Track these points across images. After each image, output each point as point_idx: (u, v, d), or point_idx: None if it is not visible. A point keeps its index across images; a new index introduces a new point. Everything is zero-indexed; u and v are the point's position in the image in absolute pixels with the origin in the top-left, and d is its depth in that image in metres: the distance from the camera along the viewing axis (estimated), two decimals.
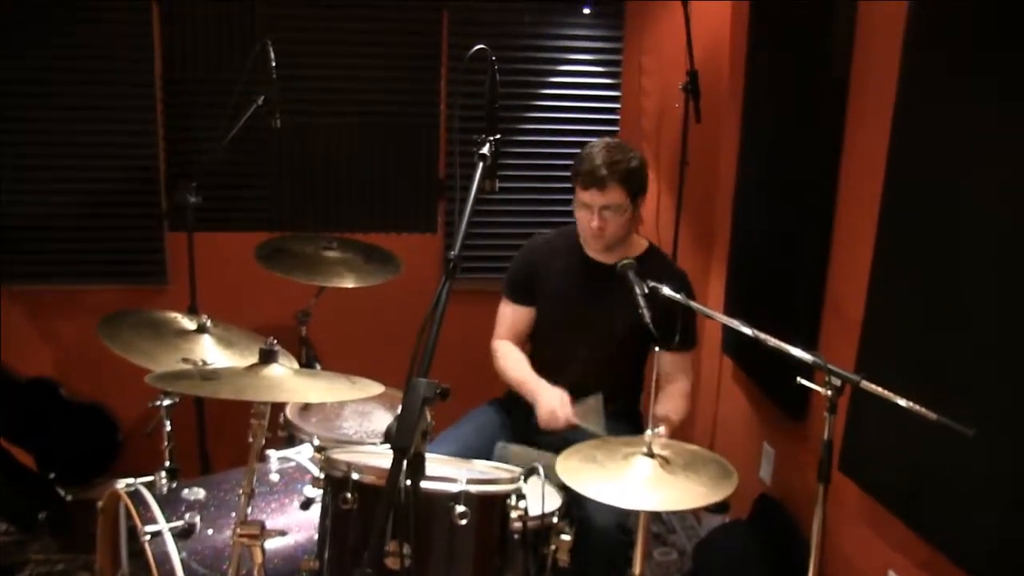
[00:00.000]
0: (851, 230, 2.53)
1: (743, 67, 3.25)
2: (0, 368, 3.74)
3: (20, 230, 3.74)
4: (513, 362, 2.81)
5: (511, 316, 2.88)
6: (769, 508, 3.00)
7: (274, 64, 3.06)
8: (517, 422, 2.81)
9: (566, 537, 2.15)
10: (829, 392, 1.92)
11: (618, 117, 4.00)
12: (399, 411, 1.49)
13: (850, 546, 2.47)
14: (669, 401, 2.70)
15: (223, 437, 3.36)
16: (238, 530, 1.92)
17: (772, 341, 2.09)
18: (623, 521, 2.45)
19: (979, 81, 1.90)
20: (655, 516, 3.61)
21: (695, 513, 3.67)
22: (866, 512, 2.37)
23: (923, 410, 1.76)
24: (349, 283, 3.17)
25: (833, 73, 2.56)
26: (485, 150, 1.80)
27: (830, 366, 1.93)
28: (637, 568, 2.20)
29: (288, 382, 2.00)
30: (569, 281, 2.81)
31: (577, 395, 2.61)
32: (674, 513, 3.67)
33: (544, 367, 2.77)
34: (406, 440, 1.37)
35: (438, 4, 3.81)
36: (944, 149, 2.02)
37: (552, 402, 2.59)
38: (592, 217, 2.64)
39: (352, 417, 2.90)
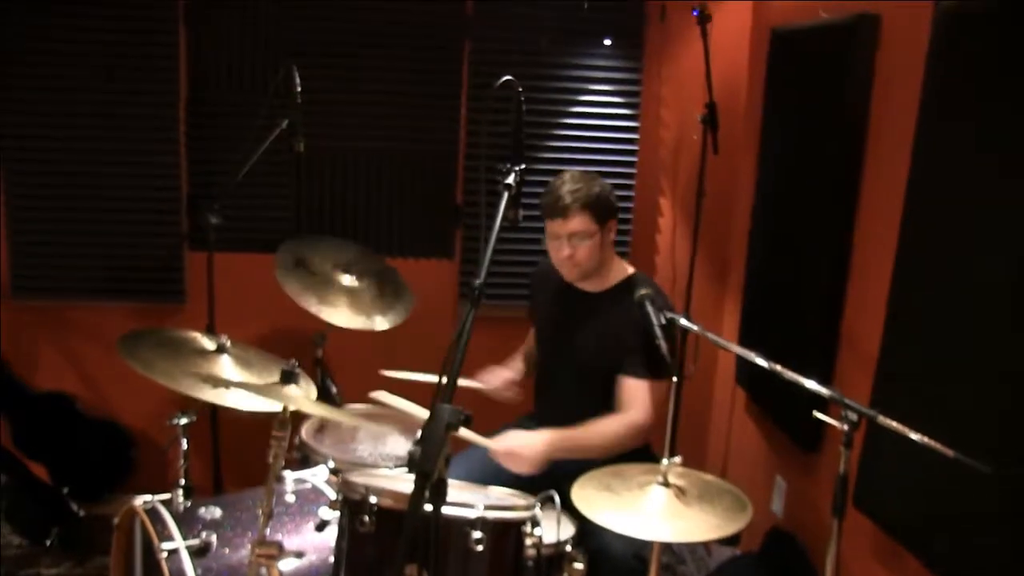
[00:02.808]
0: (868, 263, 2.54)
1: (761, 99, 3.28)
2: (17, 382, 3.78)
3: (40, 245, 3.79)
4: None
5: (531, 334, 3.06)
6: (780, 541, 2.99)
7: (299, 88, 3.10)
8: None
9: (579, 566, 2.16)
10: (845, 426, 1.92)
11: (636, 148, 4.03)
12: (419, 435, 1.51)
13: None
14: (604, 425, 2.61)
15: (236, 457, 3.39)
16: (256, 549, 1.93)
17: (788, 374, 2.10)
18: (639, 551, 2.45)
19: (998, 118, 1.93)
20: (666, 546, 3.60)
21: (706, 544, 3.66)
22: (880, 548, 2.36)
23: (939, 446, 1.76)
24: (356, 324, 3.18)
25: (852, 107, 2.59)
26: (510, 180, 1.82)
27: (847, 400, 1.93)
28: None
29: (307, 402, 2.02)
30: (554, 307, 2.89)
31: (559, 417, 2.62)
32: (685, 543, 3.66)
33: (536, 386, 2.95)
34: (430, 465, 1.38)
35: (460, 34, 3.86)
36: (963, 185, 2.04)
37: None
38: (562, 246, 2.68)
39: (367, 440, 2.92)
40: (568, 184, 2.67)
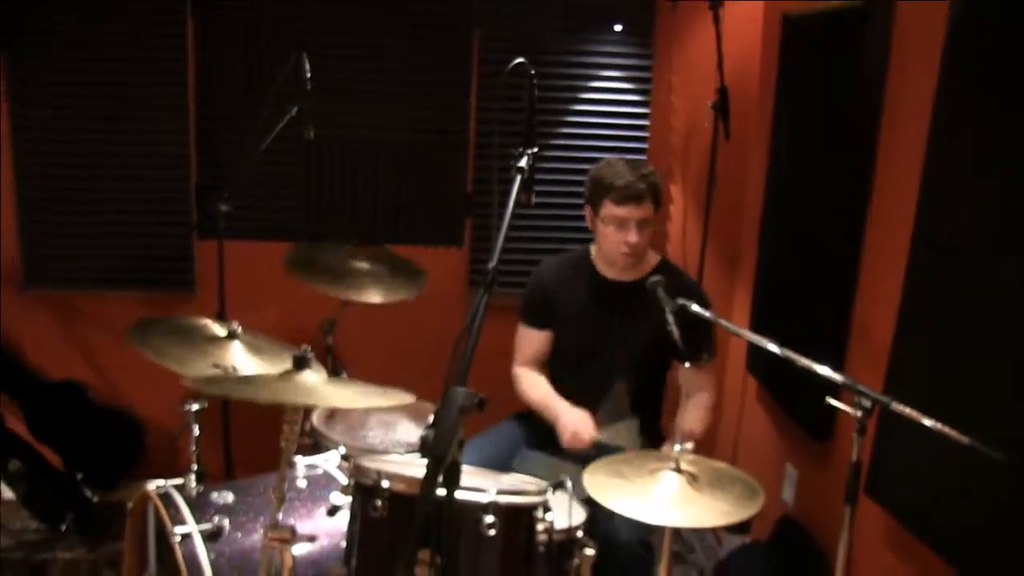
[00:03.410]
0: (881, 251, 2.53)
1: (773, 85, 3.26)
2: (29, 370, 3.81)
3: (52, 236, 3.80)
4: (534, 387, 2.85)
5: (529, 341, 2.91)
6: (791, 530, 2.99)
7: (308, 76, 3.10)
8: (542, 434, 2.83)
9: (590, 552, 2.16)
10: (859, 413, 1.92)
11: (647, 135, 4.02)
12: (432, 420, 1.51)
13: (875, 571, 2.46)
14: (693, 413, 2.73)
15: (246, 444, 3.40)
16: (269, 533, 1.94)
17: (801, 360, 2.09)
18: (645, 537, 2.46)
19: (1017, 103, 1.91)
20: (675, 534, 3.60)
21: (715, 532, 3.66)
22: (891, 536, 2.36)
23: (954, 433, 1.75)
24: (375, 298, 3.19)
25: (866, 93, 2.56)
26: (523, 163, 1.81)
27: (860, 387, 1.93)
28: None
29: (322, 388, 2.03)
30: (586, 304, 2.83)
31: (602, 416, 2.63)
32: (694, 531, 3.66)
33: (566, 391, 2.79)
34: (443, 448, 1.38)
35: (469, 21, 3.85)
36: (980, 172, 2.02)
37: (574, 423, 2.61)
38: (629, 232, 2.66)
39: (377, 427, 2.92)
40: (633, 169, 2.66)
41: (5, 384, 3.73)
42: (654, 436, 2.81)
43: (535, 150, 1.84)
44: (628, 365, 2.73)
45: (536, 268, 2.96)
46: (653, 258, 2.84)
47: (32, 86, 3.68)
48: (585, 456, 2.40)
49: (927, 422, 1.80)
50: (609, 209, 2.67)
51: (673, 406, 2.86)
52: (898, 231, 2.31)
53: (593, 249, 2.87)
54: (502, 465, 2.54)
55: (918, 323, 2.24)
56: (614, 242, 2.70)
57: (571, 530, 2.17)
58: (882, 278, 2.46)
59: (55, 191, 3.77)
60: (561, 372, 2.88)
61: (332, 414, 2.98)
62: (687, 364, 2.39)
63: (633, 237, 2.65)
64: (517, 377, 2.91)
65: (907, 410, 1.85)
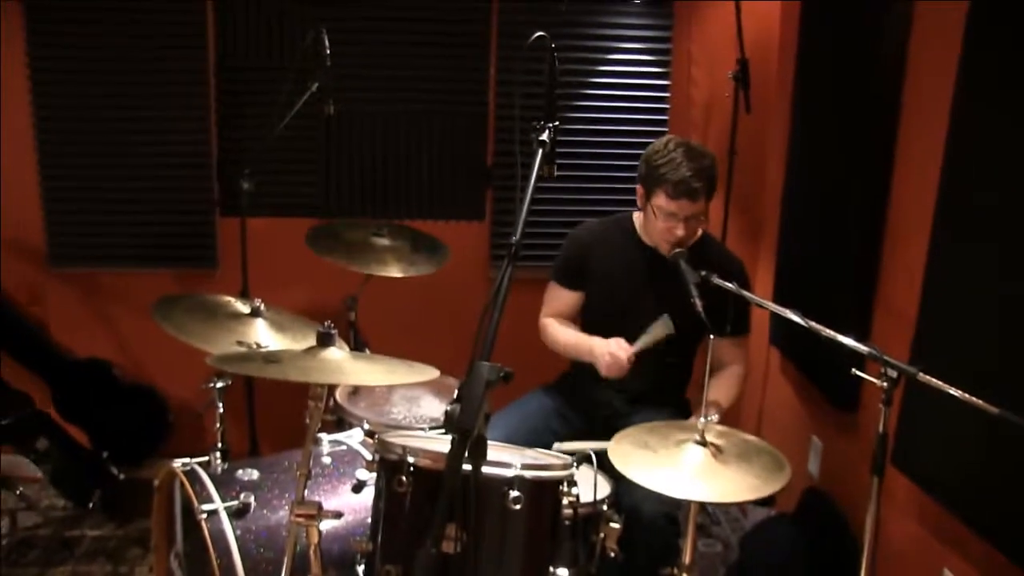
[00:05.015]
0: (905, 221, 2.49)
1: (794, 55, 3.22)
2: (54, 348, 3.84)
3: (76, 214, 3.81)
4: (561, 330, 2.86)
5: (560, 298, 2.90)
6: (817, 502, 2.98)
7: (328, 52, 3.08)
8: (568, 407, 2.83)
9: (615, 525, 2.16)
10: (885, 384, 1.90)
11: (667, 107, 3.97)
12: (456, 394, 1.50)
13: (902, 543, 2.44)
14: (721, 385, 2.72)
15: (270, 421, 3.42)
16: (295, 510, 1.94)
17: (826, 332, 2.07)
18: (671, 511, 2.45)
19: None
20: (700, 507, 3.59)
21: (740, 505, 3.65)
22: (919, 508, 2.34)
23: (983, 404, 1.73)
24: (396, 272, 3.19)
25: (888, 61, 2.52)
26: (544, 136, 1.79)
27: (886, 357, 1.91)
28: (687, 558, 2.19)
29: (349, 365, 2.02)
30: (625, 268, 2.80)
31: (627, 381, 2.62)
32: (719, 504, 3.65)
33: None
34: (470, 422, 1.37)
35: None
36: (1006, 141, 1.98)
37: (608, 347, 2.60)
38: (677, 225, 2.60)
39: (401, 403, 2.92)
40: (691, 160, 2.56)
41: (32, 363, 3.76)
42: (682, 407, 2.80)
43: (556, 123, 1.82)
44: None
45: (575, 229, 2.93)
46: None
47: (53, 64, 3.68)
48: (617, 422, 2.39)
49: (955, 392, 1.77)
50: (661, 200, 2.60)
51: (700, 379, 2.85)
52: (923, 199, 2.28)
53: (637, 216, 2.84)
54: (527, 439, 2.53)
55: (944, 292, 2.21)
56: (660, 230, 2.65)
57: (596, 504, 2.16)
58: (907, 247, 2.43)
59: (78, 168, 3.78)
60: (589, 331, 2.83)
61: (356, 390, 2.98)
62: (712, 337, 2.35)
63: (681, 231, 2.60)
64: (544, 326, 2.91)
65: (935, 380, 1.83)
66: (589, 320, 2.89)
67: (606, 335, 2.73)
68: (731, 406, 2.72)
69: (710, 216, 3.76)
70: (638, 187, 2.71)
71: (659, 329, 2.53)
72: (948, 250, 2.20)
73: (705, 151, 2.64)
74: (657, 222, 2.65)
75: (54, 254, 3.84)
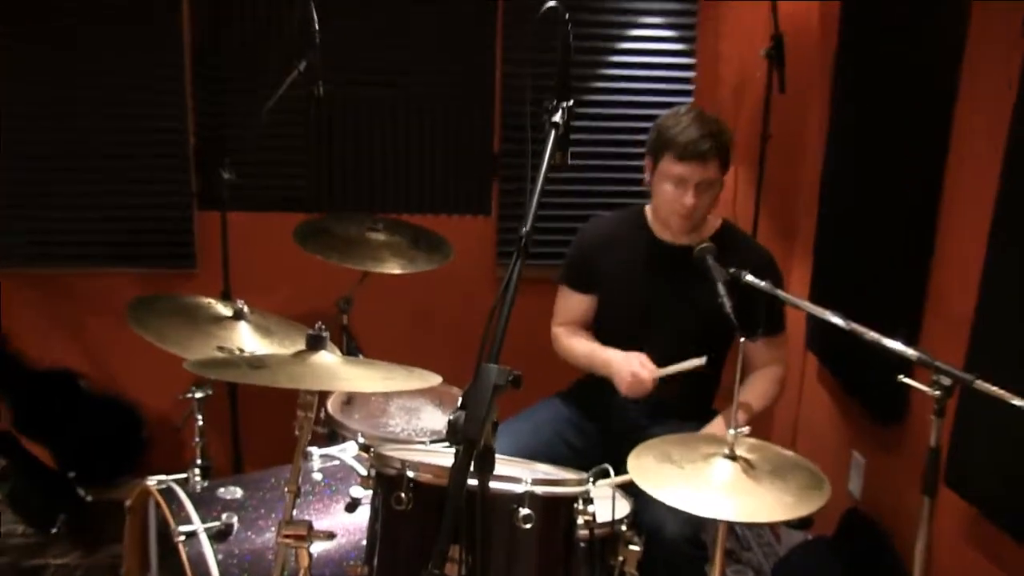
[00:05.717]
0: (960, 213, 2.49)
1: (836, 30, 3.21)
2: (14, 357, 3.84)
3: (34, 210, 3.81)
4: (576, 340, 2.87)
5: (570, 304, 2.92)
6: (858, 524, 2.97)
7: (316, 28, 3.09)
8: (583, 418, 2.83)
9: (635, 548, 2.16)
10: (937, 393, 1.89)
11: (692, 87, 3.98)
12: (461, 401, 1.50)
13: (954, 568, 2.44)
14: (755, 385, 2.75)
15: (255, 434, 3.43)
16: (282, 531, 1.94)
17: (870, 334, 2.07)
18: (696, 532, 2.45)
19: None
20: (729, 529, 3.60)
21: (773, 528, 3.65)
22: (973, 529, 2.34)
23: None
24: (395, 269, 3.20)
25: (944, 36, 2.51)
26: (557, 118, 1.78)
27: (938, 363, 1.90)
28: None
29: (342, 370, 2.03)
30: (636, 268, 2.81)
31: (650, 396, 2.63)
32: (750, 527, 3.65)
33: None
34: (475, 432, 1.37)
35: None
36: None
37: (630, 363, 2.62)
38: (686, 193, 2.63)
39: (399, 414, 2.93)
40: (702, 124, 2.61)
41: None
42: (709, 418, 2.80)
43: (570, 103, 1.81)
44: (676, 338, 2.72)
45: (584, 225, 2.95)
46: (715, 221, 2.82)
47: (16, 50, 3.67)
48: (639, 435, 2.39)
49: (1016, 402, 1.77)
50: (668, 164, 2.63)
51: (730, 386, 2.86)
52: (980, 190, 2.28)
53: (649, 208, 2.85)
54: (539, 452, 2.54)
55: (1004, 291, 2.21)
56: (669, 201, 2.67)
57: (614, 524, 2.16)
58: (962, 242, 2.42)
59: (39, 160, 3.77)
60: (603, 341, 2.86)
61: (349, 400, 2.99)
62: (743, 340, 2.35)
63: (690, 199, 2.62)
64: (557, 336, 2.94)
65: (993, 389, 1.82)
66: (603, 327, 2.90)
67: (622, 343, 2.74)
68: (765, 411, 2.72)
69: (738, 211, 3.81)
70: (646, 161, 2.74)
71: (692, 363, 2.55)
72: (1009, 245, 2.19)
73: (717, 119, 2.68)
74: (665, 192, 2.67)
75: (8, 253, 3.83)
